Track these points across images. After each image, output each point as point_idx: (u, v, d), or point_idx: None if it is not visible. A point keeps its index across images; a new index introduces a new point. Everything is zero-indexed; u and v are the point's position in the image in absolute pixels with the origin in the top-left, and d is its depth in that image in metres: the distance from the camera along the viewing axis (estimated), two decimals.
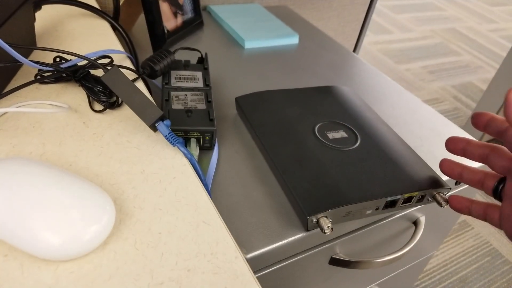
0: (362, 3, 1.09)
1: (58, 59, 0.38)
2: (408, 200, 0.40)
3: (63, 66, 0.36)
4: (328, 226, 0.35)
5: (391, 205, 0.39)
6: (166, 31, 0.62)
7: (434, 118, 0.58)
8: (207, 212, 0.29)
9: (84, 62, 0.37)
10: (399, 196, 0.39)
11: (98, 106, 0.37)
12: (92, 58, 0.37)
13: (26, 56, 0.41)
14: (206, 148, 0.43)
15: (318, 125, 0.46)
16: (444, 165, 0.37)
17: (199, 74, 0.48)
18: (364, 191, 0.38)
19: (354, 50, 1.21)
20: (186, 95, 0.44)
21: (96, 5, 0.54)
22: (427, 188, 0.40)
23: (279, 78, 0.62)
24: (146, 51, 0.63)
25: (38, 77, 0.37)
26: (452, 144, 0.36)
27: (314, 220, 0.36)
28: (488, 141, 1.63)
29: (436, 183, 0.41)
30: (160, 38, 0.61)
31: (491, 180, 0.34)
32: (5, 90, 0.36)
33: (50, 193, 0.24)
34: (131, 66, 0.44)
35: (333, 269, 0.46)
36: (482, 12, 3.13)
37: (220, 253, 0.26)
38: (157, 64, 0.44)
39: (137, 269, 0.24)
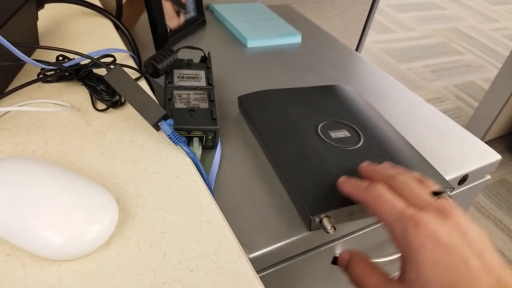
0: (364, 2, 1.09)
1: (60, 58, 0.38)
2: None
3: (65, 65, 0.36)
4: (331, 226, 0.35)
5: None
6: (168, 30, 0.62)
7: (437, 117, 0.57)
8: (209, 212, 0.29)
9: (87, 61, 0.37)
10: None
11: (100, 105, 0.37)
12: (95, 57, 0.37)
13: (29, 55, 0.41)
14: (208, 147, 0.43)
15: (321, 124, 0.46)
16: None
17: (202, 73, 0.47)
18: None
19: (357, 49, 1.21)
20: (189, 94, 0.44)
21: (98, 4, 0.54)
22: None
23: (282, 77, 0.61)
24: (148, 50, 0.63)
25: (41, 76, 0.37)
26: None
27: (317, 220, 0.35)
28: (489, 141, 1.63)
29: (439, 183, 0.40)
30: (163, 37, 0.61)
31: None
32: (8, 89, 0.36)
33: (53, 192, 0.24)
34: (134, 65, 0.44)
35: (335, 269, 0.46)
36: (485, 11, 3.12)
37: (223, 253, 0.26)
38: (159, 63, 0.44)
39: (140, 269, 0.24)
